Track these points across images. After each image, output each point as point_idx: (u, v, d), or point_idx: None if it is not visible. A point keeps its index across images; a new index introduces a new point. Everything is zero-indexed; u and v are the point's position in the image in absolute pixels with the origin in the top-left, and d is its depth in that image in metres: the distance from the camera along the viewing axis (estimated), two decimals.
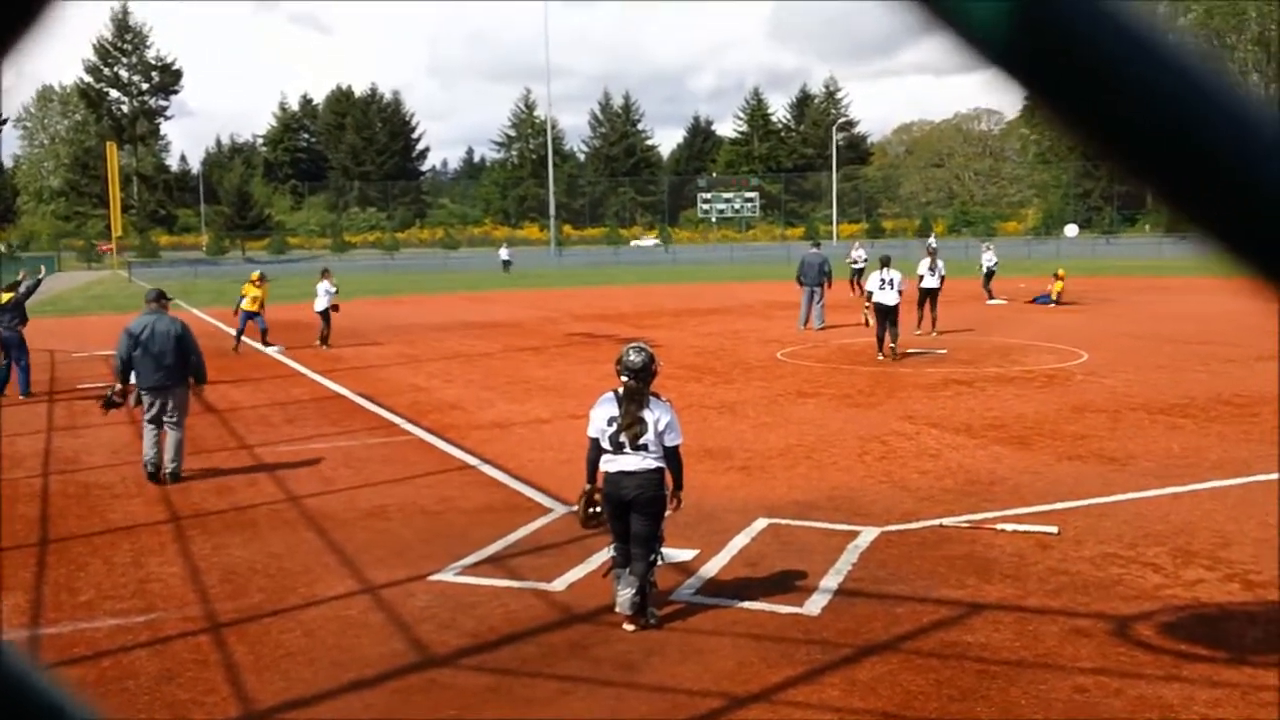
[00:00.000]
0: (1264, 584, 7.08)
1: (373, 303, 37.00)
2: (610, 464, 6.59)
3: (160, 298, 11.30)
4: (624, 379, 6.59)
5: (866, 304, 19.78)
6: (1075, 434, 12.10)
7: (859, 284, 31.66)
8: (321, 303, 22.84)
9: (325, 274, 23.54)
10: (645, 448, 6.52)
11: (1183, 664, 5.86)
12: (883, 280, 18.74)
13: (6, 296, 17.05)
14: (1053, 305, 29.48)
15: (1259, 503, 9.03)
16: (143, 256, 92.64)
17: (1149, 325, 23.80)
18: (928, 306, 21.98)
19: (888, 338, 18.67)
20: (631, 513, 6.53)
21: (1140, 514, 8.82)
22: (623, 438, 6.52)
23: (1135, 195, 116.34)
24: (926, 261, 22.03)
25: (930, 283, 21.93)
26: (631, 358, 6.60)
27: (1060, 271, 31.44)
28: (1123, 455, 10.99)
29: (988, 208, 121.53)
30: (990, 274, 31.35)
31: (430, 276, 51.51)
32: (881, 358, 18.58)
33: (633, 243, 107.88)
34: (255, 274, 22.91)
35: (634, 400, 6.55)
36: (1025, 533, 8.24)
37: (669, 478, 6.65)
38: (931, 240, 35.01)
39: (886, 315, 18.65)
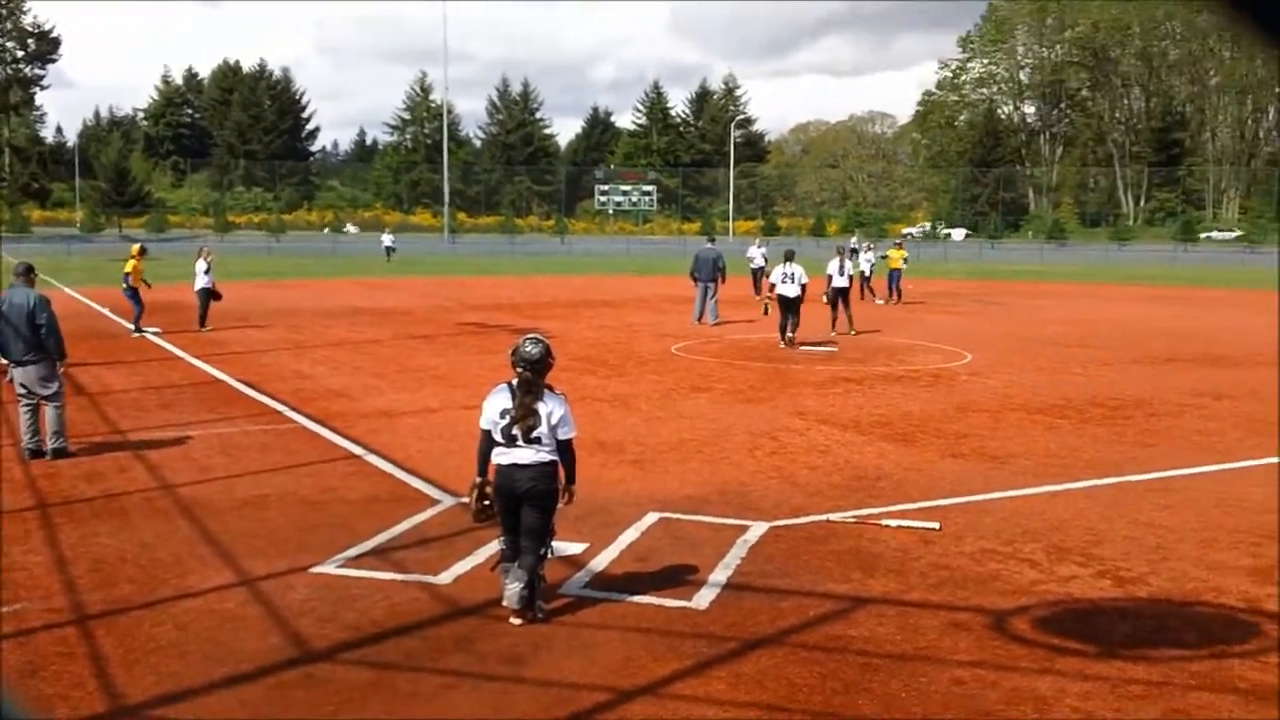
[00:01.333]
0: (1133, 580, 7.29)
1: (257, 286, 36.11)
2: (502, 456, 6.48)
3: (29, 271, 11.10)
4: (519, 370, 6.48)
5: (769, 295, 20.58)
6: (958, 432, 12.35)
7: (762, 281, 31.88)
8: (200, 281, 22.15)
9: (202, 252, 22.78)
10: (538, 441, 6.43)
11: (1056, 657, 5.99)
12: (785, 274, 19.87)
13: None
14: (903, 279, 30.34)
15: (1129, 502, 9.32)
16: (13, 231, 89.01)
17: (1030, 328, 24.48)
18: (841, 306, 22.20)
19: (788, 327, 19.81)
20: (523, 506, 6.45)
21: (1018, 511, 9.02)
22: (515, 430, 6.42)
23: (1019, 202, 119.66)
24: (836, 262, 22.05)
25: (840, 282, 22.07)
26: (528, 349, 6.48)
27: (899, 243, 33.26)
28: (1003, 454, 11.25)
29: (879, 209, 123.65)
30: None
31: (317, 260, 50.42)
32: (782, 346, 19.72)
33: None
34: (135, 247, 22.68)
35: (529, 392, 6.45)
36: (909, 528, 8.36)
37: (562, 471, 6.56)
38: (854, 241, 35.36)
39: (788, 307, 19.80)
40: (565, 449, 6.56)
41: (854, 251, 28.16)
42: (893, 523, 8.51)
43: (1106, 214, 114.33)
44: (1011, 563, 7.63)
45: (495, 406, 6.51)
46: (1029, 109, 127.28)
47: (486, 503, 6.62)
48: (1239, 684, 5.67)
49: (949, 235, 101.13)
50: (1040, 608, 6.78)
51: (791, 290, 19.69)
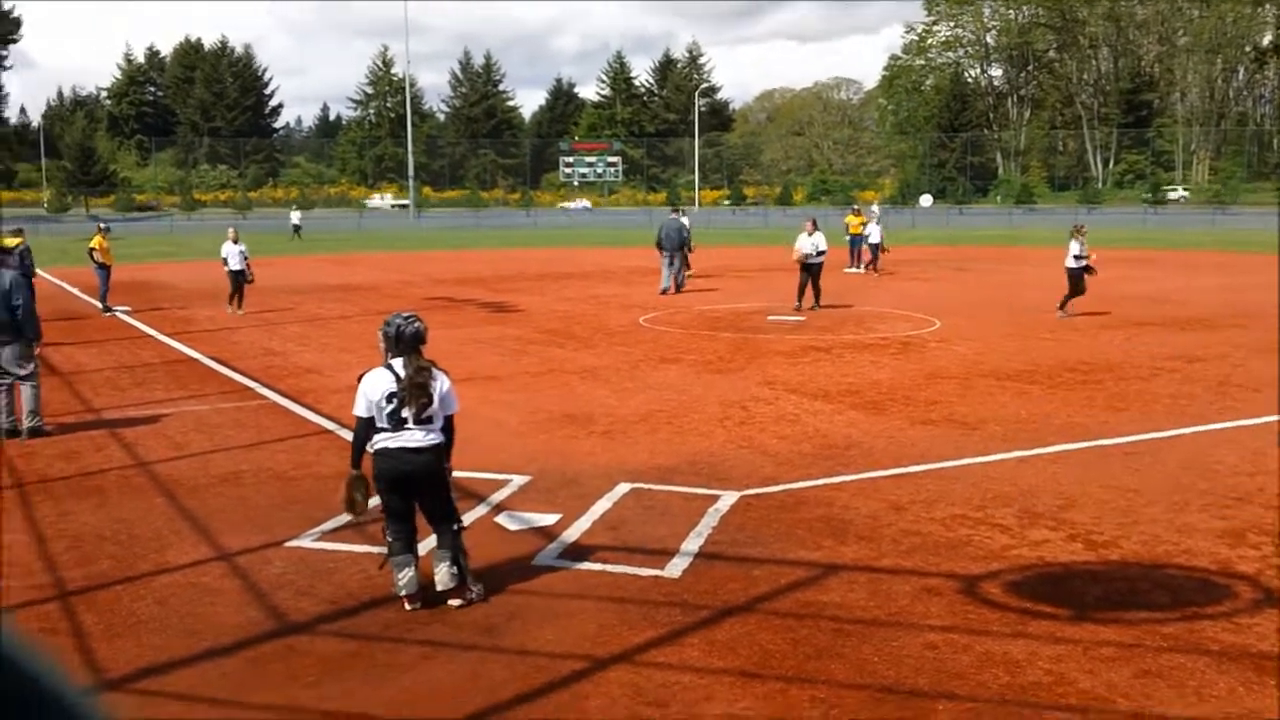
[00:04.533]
0: (1105, 544, 7.41)
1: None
2: (389, 440, 6.20)
3: (8, 253, 11.72)
4: (395, 349, 6.29)
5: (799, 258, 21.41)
6: (928, 399, 12.47)
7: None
8: (236, 262, 21.34)
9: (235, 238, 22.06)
10: (429, 421, 6.25)
11: (1028, 621, 6.11)
12: (813, 244, 21.17)
13: None
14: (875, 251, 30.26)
15: (1100, 466, 9.44)
16: None
17: (999, 293, 24.66)
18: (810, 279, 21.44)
19: (808, 292, 21.09)
20: (420, 491, 6.29)
21: (989, 476, 9.14)
22: (406, 412, 6.18)
23: (987, 167, 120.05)
24: (805, 234, 21.48)
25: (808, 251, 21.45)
26: (417, 325, 6.34)
27: (856, 207, 33.85)
28: (973, 420, 11.37)
29: (846, 177, 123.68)
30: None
31: (282, 238, 49.99)
32: (797, 307, 20.96)
33: (561, 205, 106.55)
34: (99, 225, 22.87)
35: (420, 370, 6.25)
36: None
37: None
38: (873, 207, 34.99)
39: (810, 272, 21.09)
40: (450, 425, 6.39)
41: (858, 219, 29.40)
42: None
43: (1076, 177, 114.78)
44: (982, 528, 7.75)
45: (378, 389, 6.22)
46: (996, 72, 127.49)
47: (361, 496, 6.44)
48: (1211, 646, 5.75)
49: (917, 202, 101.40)
50: (1012, 572, 6.88)
51: (816, 258, 21.14)
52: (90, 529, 7.86)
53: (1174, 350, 15.98)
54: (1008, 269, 32.30)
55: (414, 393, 6.19)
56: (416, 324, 6.38)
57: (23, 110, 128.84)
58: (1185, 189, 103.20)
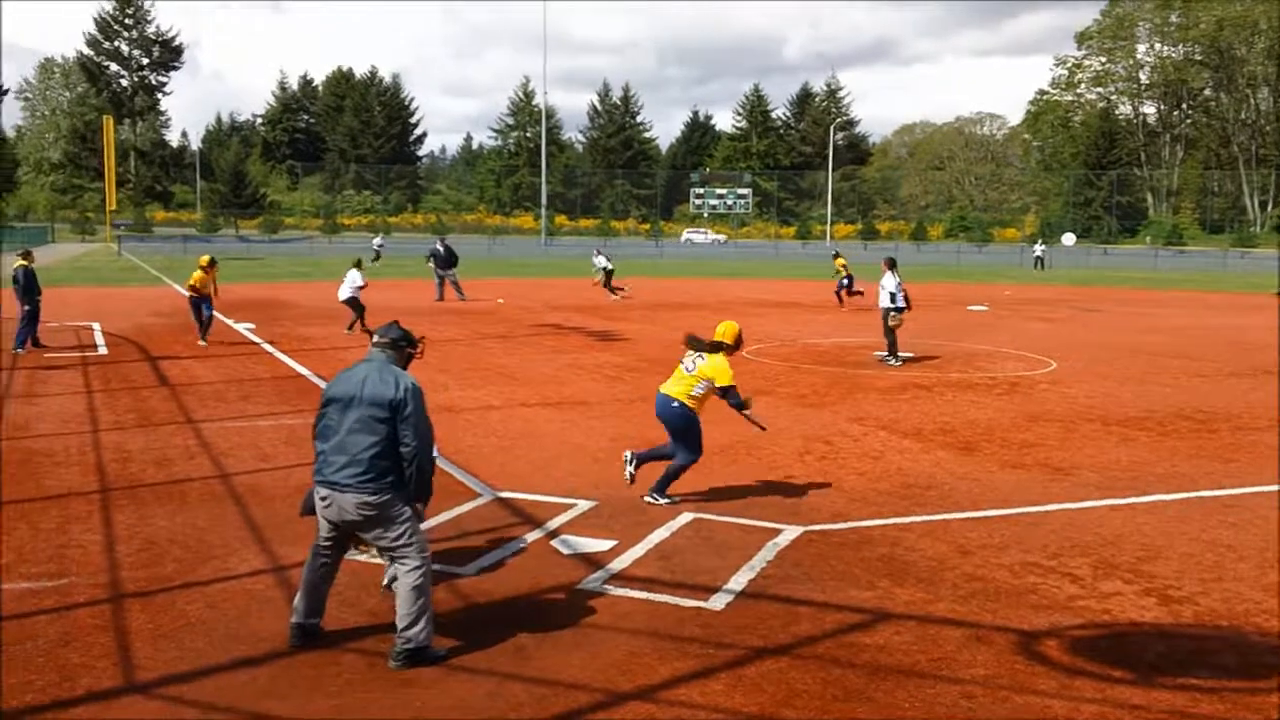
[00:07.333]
0: (1180, 600, 7.02)
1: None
2: None
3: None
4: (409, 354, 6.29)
5: (895, 309, 18.48)
6: (1024, 442, 12.06)
7: (609, 287, 33.12)
8: (345, 291, 22.09)
9: (358, 265, 22.93)
10: None
11: (1076, 678, 5.78)
12: (893, 285, 18.35)
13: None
14: (847, 289, 30.07)
15: (1194, 519, 8.98)
16: (136, 231, 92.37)
17: (1127, 336, 23.77)
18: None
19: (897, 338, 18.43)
20: None
21: (1071, 524, 8.77)
22: None
23: (1136, 206, 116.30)
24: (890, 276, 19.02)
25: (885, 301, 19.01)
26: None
27: (837, 252, 33.40)
28: (1067, 465, 10.94)
29: (987, 213, 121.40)
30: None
31: (417, 261, 51.15)
32: (894, 363, 18.17)
33: (684, 236, 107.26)
34: (205, 258, 20.44)
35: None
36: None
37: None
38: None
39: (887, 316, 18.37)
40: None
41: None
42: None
43: (1231, 219, 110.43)
44: (1052, 577, 7.42)
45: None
46: (1149, 109, 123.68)
47: None
48: (1273, 714, 5.40)
49: (1059, 240, 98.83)
50: (1073, 625, 6.55)
51: (898, 301, 18.27)
52: (164, 533, 8.12)
53: None
54: (1144, 311, 31.11)
55: None
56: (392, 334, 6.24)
57: (183, 134, 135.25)
58: None
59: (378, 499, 5.81)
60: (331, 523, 5.95)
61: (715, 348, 9.21)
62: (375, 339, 6.23)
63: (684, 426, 9.07)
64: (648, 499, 9.11)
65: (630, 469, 9.23)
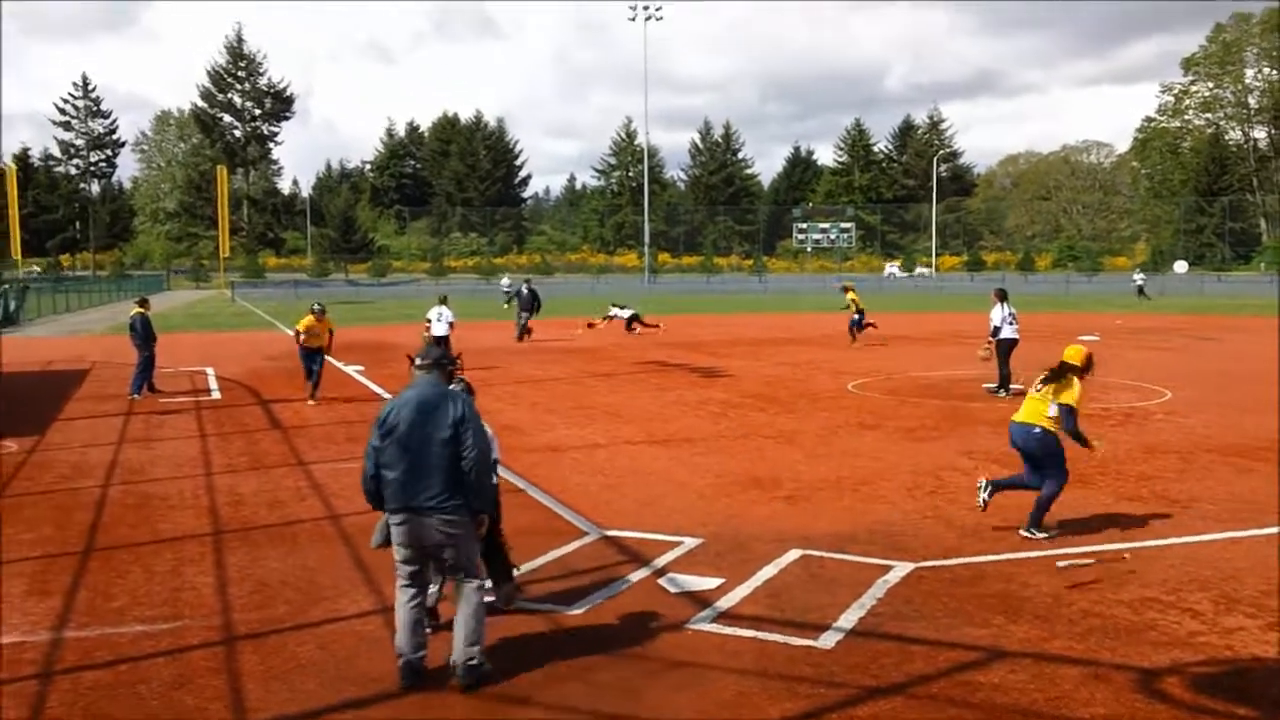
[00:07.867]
0: None
1: (461, 326, 37.29)
2: None
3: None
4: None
5: (989, 341, 18.15)
6: (1141, 474, 11.69)
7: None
8: (439, 328, 22.91)
9: (443, 300, 23.77)
10: None
11: (1199, 717, 5.57)
12: (1008, 316, 17.95)
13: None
14: (858, 325, 28.84)
15: None
16: (248, 277, 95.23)
17: (1244, 365, 22.98)
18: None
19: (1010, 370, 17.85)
20: None
21: (1191, 558, 8.47)
22: None
23: (1249, 232, 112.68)
24: (1000, 308, 18.36)
25: (1008, 333, 18.32)
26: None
27: (847, 284, 32.61)
28: (1185, 498, 10.58)
29: (1096, 242, 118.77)
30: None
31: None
32: (1003, 394, 17.66)
33: (887, 269, 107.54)
34: (315, 305, 19.13)
35: None
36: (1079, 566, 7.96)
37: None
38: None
39: (1011, 349, 17.98)
40: None
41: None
42: (1063, 563, 8.14)
43: None
44: (1172, 612, 7.17)
45: None
46: (1259, 134, 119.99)
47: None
48: None
49: (1171, 268, 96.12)
50: (1194, 662, 6.32)
51: (1013, 332, 17.85)
52: (275, 575, 8.27)
53: None
54: (1259, 339, 30.01)
55: None
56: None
57: (294, 182, 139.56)
58: None
59: (458, 517, 6.06)
60: (411, 548, 6.16)
61: (1063, 370, 9.13)
62: (418, 362, 6.42)
63: (1047, 452, 9.08)
64: (1024, 533, 9.09)
65: (984, 495, 9.25)
